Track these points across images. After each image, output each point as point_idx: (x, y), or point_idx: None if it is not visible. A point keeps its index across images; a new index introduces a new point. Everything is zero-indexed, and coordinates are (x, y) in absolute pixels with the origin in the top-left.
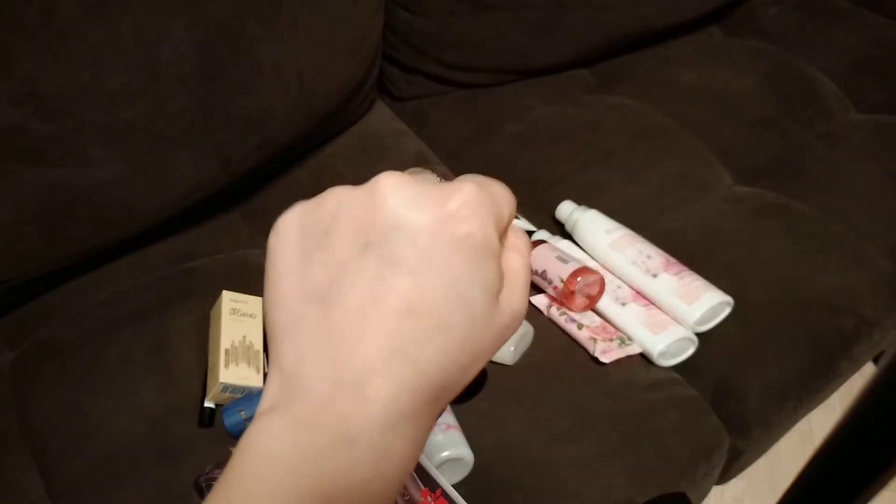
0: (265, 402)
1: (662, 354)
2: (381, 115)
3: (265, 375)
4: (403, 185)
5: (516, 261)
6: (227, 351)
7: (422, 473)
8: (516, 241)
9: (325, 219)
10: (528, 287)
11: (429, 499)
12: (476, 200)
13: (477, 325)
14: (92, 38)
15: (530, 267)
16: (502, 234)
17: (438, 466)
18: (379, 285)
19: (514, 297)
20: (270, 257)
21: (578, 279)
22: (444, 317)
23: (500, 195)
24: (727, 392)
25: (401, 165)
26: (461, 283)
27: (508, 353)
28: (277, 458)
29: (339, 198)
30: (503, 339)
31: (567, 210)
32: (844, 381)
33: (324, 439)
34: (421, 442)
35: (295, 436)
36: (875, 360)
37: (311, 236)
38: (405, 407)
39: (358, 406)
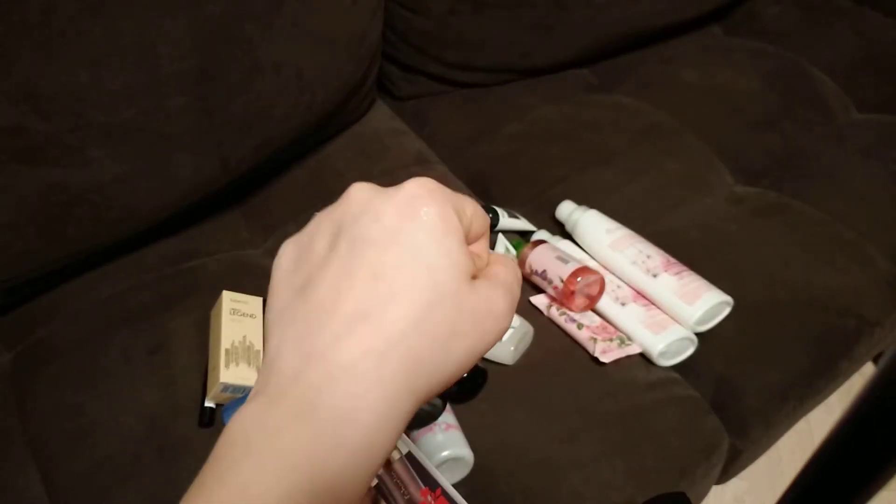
0: (251, 394)
1: (662, 354)
2: (381, 115)
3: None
4: (370, 187)
5: (500, 270)
6: (227, 351)
7: (422, 473)
8: (504, 259)
9: (311, 230)
10: (511, 292)
11: (429, 498)
12: (431, 185)
13: (443, 293)
14: (91, 38)
15: (519, 279)
16: (470, 232)
17: (438, 466)
18: (349, 262)
19: (493, 290)
20: (271, 275)
21: (578, 279)
22: (407, 280)
23: (463, 197)
24: (727, 392)
25: (401, 165)
26: (423, 251)
27: (508, 353)
28: (244, 433)
29: (322, 213)
30: (482, 328)
31: (567, 210)
32: (844, 381)
33: (288, 409)
34: (395, 418)
35: (264, 411)
36: (875, 360)
37: (301, 248)
38: (370, 371)
39: (322, 372)
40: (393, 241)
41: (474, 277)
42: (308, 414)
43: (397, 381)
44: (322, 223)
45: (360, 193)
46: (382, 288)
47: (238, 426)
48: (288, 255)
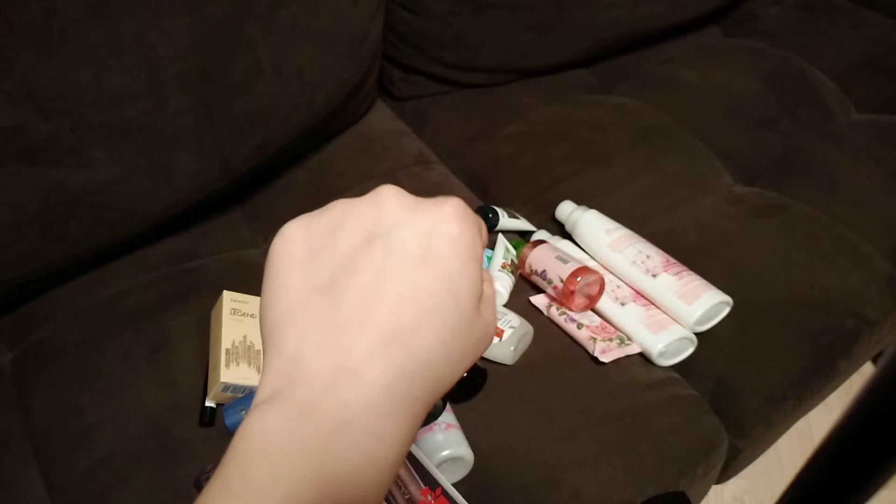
0: (264, 391)
1: (662, 354)
2: (381, 115)
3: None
4: (402, 192)
5: (486, 287)
6: (227, 350)
7: (422, 472)
8: (485, 274)
9: (330, 222)
10: (495, 309)
11: (429, 497)
12: (464, 208)
13: (464, 320)
14: (92, 38)
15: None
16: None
17: (439, 465)
18: (383, 272)
19: (489, 311)
20: (274, 256)
21: (578, 279)
22: (438, 304)
23: (478, 217)
24: (726, 391)
25: (401, 165)
26: (454, 276)
27: (508, 353)
28: (279, 444)
29: (343, 204)
30: (480, 349)
31: (567, 210)
32: (843, 380)
33: (324, 425)
34: (412, 433)
35: (296, 422)
36: (874, 360)
37: (318, 237)
38: (402, 393)
39: (357, 391)
40: (427, 263)
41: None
42: (345, 429)
43: (420, 401)
44: (348, 218)
45: (395, 200)
46: (415, 311)
47: (266, 431)
48: (300, 242)
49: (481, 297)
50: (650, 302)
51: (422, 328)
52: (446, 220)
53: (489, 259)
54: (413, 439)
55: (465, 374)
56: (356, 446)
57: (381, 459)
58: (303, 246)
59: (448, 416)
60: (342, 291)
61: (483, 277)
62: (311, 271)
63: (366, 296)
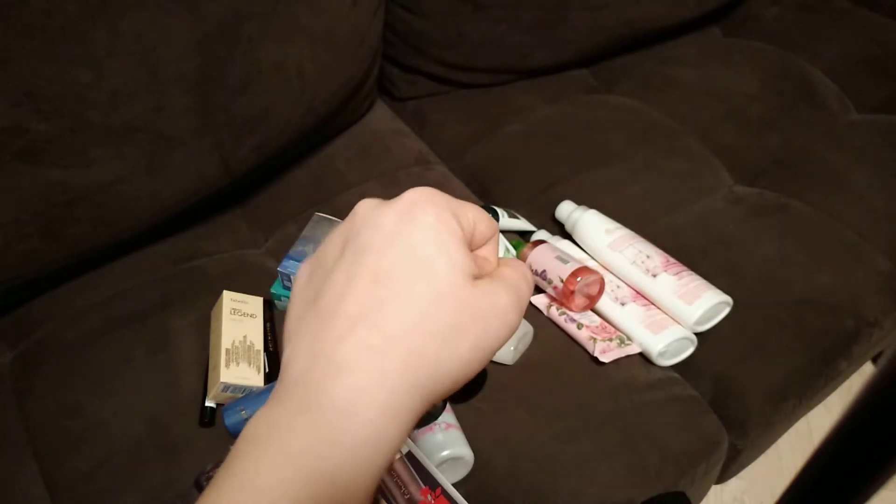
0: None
1: (662, 354)
2: (381, 115)
3: (266, 375)
4: (374, 200)
5: (508, 271)
6: (227, 350)
7: (422, 472)
8: (513, 262)
9: (323, 248)
10: (518, 292)
11: (429, 497)
12: (428, 191)
13: (443, 291)
14: (92, 38)
15: (528, 279)
16: (473, 236)
17: (438, 465)
18: (352, 269)
19: (497, 289)
20: (290, 300)
21: (578, 279)
22: (405, 280)
23: (464, 202)
24: (726, 391)
25: (401, 165)
26: (420, 252)
27: (508, 353)
28: (256, 434)
29: (333, 232)
30: (485, 327)
31: (567, 210)
32: (843, 380)
33: (294, 407)
34: (400, 408)
35: (270, 411)
36: (874, 360)
37: (316, 264)
38: (369, 367)
39: (326, 372)
40: (391, 245)
41: (478, 278)
42: (309, 409)
43: (398, 375)
44: (332, 239)
45: (364, 206)
46: (381, 290)
47: (250, 428)
48: (303, 273)
49: (471, 270)
50: (650, 302)
51: (388, 305)
52: (406, 205)
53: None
54: (409, 422)
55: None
56: (321, 422)
57: (354, 436)
58: (304, 275)
59: (448, 416)
60: (322, 297)
61: (506, 263)
62: (308, 291)
63: (339, 292)
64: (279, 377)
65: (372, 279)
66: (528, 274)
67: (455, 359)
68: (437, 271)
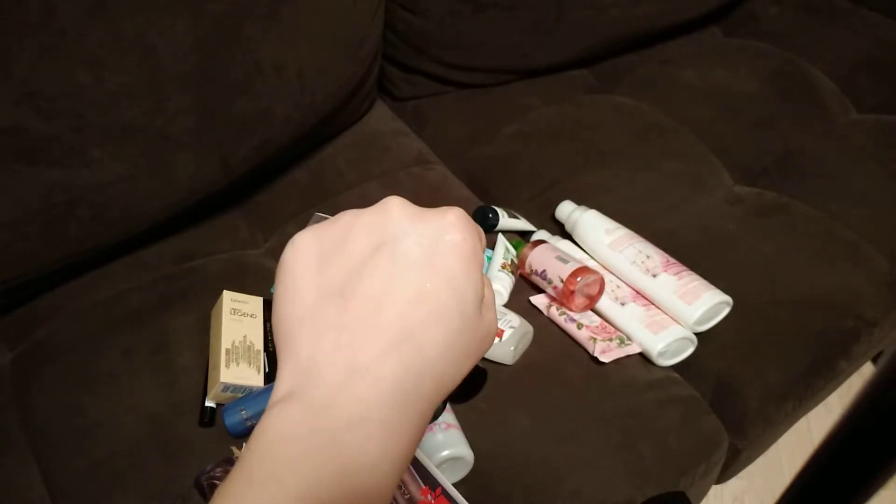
0: (280, 390)
1: (662, 354)
2: (381, 115)
3: (266, 375)
4: (408, 204)
5: (486, 290)
6: (227, 350)
7: (422, 472)
8: (484, 278)
9: (340, 231)
10: (493, 310)
11: (429, 497)
12: (465, 218)
13: (467, 321)
14: (92, 38)
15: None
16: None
17: (439, 465)
18: (391, 278)
19: (490, 313)
20: (285, 265)
21: (578, 279)
22: (442, 306)
23: (476, 225)
24: (726, 391)
25: (401, 165)
26: (456, 280)
27: (508, 353)
28: (297, 439)
29: (351, 214)
30: (482, 350)
31: (567, 210)
32: (843, 380)
33: (339, 419)
34: (422, 428)
35: (312, 418)
36: (874, 360)
37: (328, 245)
38: (411, 389)
39: (371, 388)
40: (432, 267)
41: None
42: (360, 425)
43: (427, 397)
44: (356, 228)
45: (401, 210)
46: (422, 312)
47: (284, 428)
48: (310, 250)
49: (482, 298)
50: (650, 302)
51: (429, 328)
52: (449, 228)
53: (489, 260)
54: (422, 435)
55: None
56: (371, 440)
57: (395, 452)
58: (314, 255)
59: (448, 416)
60: (352, 296)
61: (483, 282)
62: (323, 278)
63: (375, 300)
64: (294, 369)
65: (415, 298)
66: (491, 283)
67: (460, 376)
68: (467, 301)
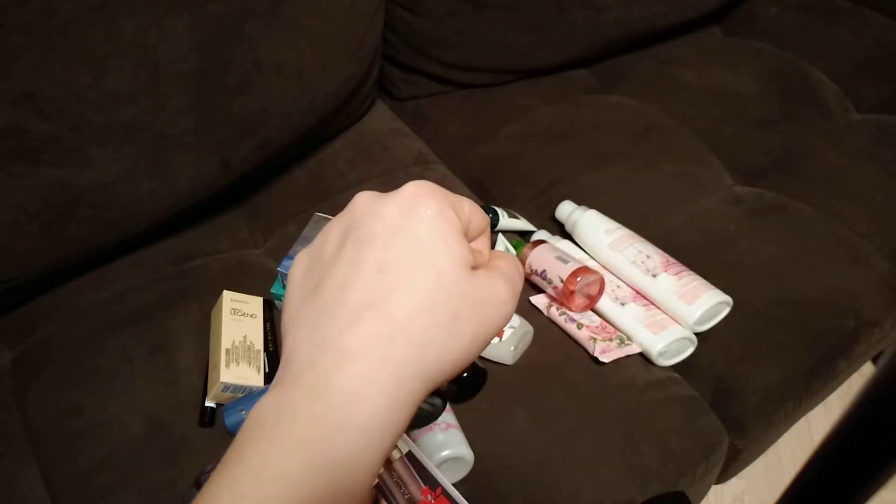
0: (269, 390)
1: (662, 354)
2: (381, 115)
3: (266, 375)
4: (372, 193)
5: (502, 262)
6: (227, 350)
7: (422, 472)
8: (504, 255)
9: (321, 241)
10: (512, 283)
11: (429, 497)
12: (428, 185)
13: (445, 280)
14: (92, 38)
15: (520, 271)
16: (470, 231)
17: (439, 465)
18: (355, 259)
19: (494, 279)
20: (286, 283)
21: (578, 279)
22: (409, 268)
23: (462, 198)
24: (726, 391)
25: (401, 165)
26: (422, 243)
27: (508, 353)
28: (264, 419)
29: (330, 223)
30: (483, 314)
31: (567, 210)
32: (843, 380)
33: (302, 396)
34: (405, 395)
35: (278, 397)
36: (874, 360)
37: (314, 254)
38: (378, 353)
39: (334, 360)
40: (394, 237)
41: (475, 269)
42: (320, 396)
43: (406, 362)
44: (331, 230)
45: (363, 199)
46: (387, 279)
47: (256, 413)
48: (301, 265)
49: (469, 261)
50: (650, 302)
51: (395, 293)
52: (407, 198)
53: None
54: (412, 408)
55: (465, 375)
56: (333, 408)
57: (364, 421)
58: (302, 267)
59: (448, 416)
60: (324, 286)
61: (498, 255)
62: (306, 280)
63: (341, 282)
64: (281, 365)
65: (376, 269)
66: (520, 266)
67: (457, 346)
68: (440, 262)
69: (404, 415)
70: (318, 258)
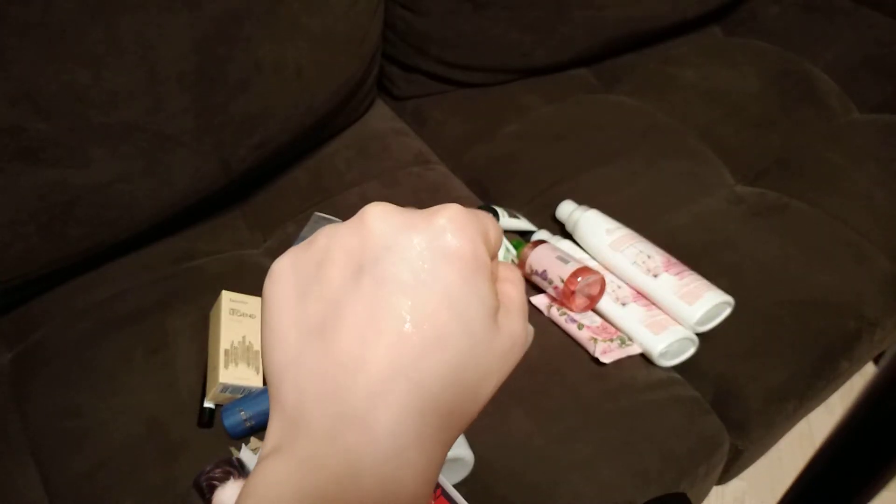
0: (268, 444)
1: (663, 354)
2: (381, 115)
3: (265, 378)
4: (389, 211)
5: (511, 289)
6: (226, 351)
7: None
8: (509, 273)
9: (316, 255)
10: (525, 313)
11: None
12: (462, 217)
13: (476, 340)
14: (91, 38)
15: (525, 296)
16: (493, 258)
17: None
18: (375, 306)
19: (513, 320)
20: (266, 301)
21: (579, 279)
22: (441, 329)
23: (485, 217)
24: (728, 392)
25: (401, 165)
26: (455, 295)
27: None
28: (283, 497)
29: (328, 233)
30: (508, 364)
31: (567, 210)
32: (845, 381)
33: (329, 477)
34: (433, 469)
35: (299, 476)
36: (875, 361)
37: (305, 273)
38: (410, 431)
39: (362, 436)
40: (423, 284)
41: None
42: (352, 479)
43: (434, 437)
44: (333, 250)
45: (381, 222)
46: (415, 338)
47: (271, 488)
48: (287, 281)
49: (496, 308)
50: (651, 302)
51: (426, 358)
52: (439, 234)
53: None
54: (434, 479)
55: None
56: (368, 493)
57: (403, 500)
58: (291, 285)
59: None
60: (335, 333)
61: (505, 277)
62: (302, 314)
63: (360, 334)
64: (282, 422)
65: (405, 326)
66: (523, 280)
67: (478, 405)
68: (472, 320)
69: (430, 488)
70: (317, 284)
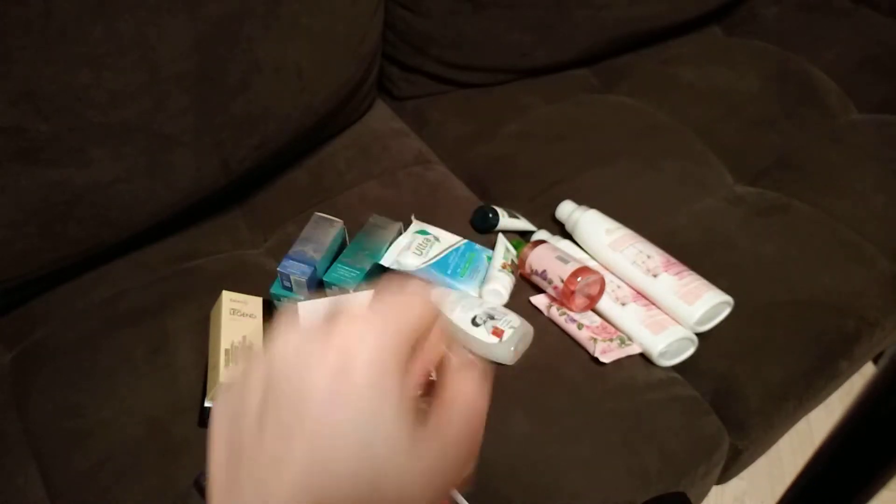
0: None
1: (662, 354)
2: (381, 115)
3: None
4: (295, 338)
5: (458, 385)
6: (227, 351)
7: None
8: (460, 367)
9: (241, 385)
10: (471, 409)
11: None
12: (360, 335)
13: (386, 471)
14: (91, 38)
15: (478, 391)
16: (426, 344)
17: None
18: (279, 434)
19: (451, 420)
20: (212, 430)
21: (579, 279)
22: (343, 467)
23: (410, 306)
24: (727, 392)
25: (401, 165)
26: (357, 427)
27: (508, 354)
28: None
29: (246, 373)
30: (439, 475)
31: (567, 210)
32: (844, 381)
33: None
34: None
35: None
36: (875, 361)
37: (236, 406)
38: None
39: None
40: (321, 420)
41: (427, 394)
42: None
43: None
44: (252, 376)
45: (284, 348)
46: (316, 481)
47: None
48: (222, 409)
49: (410, 426)
50: (651, 302)
51: (330, 492)
52: (338, 358)
53: (490, 260)
54: None
55: None
56: None
57: None
58: (224, 411)
59: None
60: (251, 465)
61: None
62: (226, 441)
63: (264, 475)
64: None
65: (307, 457)
66: (482, 386)
67: None
68: (377, 451)
69: None
70: (241, 406)
